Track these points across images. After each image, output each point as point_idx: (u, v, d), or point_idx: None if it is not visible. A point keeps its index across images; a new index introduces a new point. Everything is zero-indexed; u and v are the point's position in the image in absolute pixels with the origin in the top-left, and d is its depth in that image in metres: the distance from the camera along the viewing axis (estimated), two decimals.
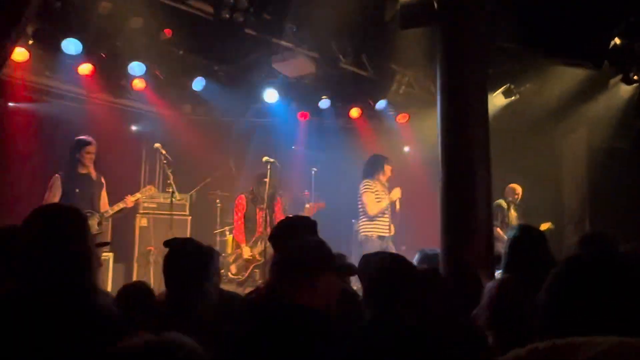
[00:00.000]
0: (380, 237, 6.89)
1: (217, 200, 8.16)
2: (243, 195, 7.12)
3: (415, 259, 3.79)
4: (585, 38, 4.90)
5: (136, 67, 6.73)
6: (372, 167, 7.09)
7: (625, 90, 6.68)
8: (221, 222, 8.04)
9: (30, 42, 6.05)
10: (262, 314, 2.50)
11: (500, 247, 4.03)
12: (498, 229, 7.11)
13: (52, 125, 7.07)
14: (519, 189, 7.82)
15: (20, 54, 6.00)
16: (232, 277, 6.83)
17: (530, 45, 5.10)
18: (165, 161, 6.72)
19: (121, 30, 6.24)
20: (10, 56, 5.65)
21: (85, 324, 1.95)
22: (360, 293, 2.91)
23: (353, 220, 7.64)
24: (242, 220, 7.02)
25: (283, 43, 6.70)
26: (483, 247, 4.04)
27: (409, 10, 4.68)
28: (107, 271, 6.70)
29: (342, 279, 2.98)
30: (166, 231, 6.66)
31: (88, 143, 6.09)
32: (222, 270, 6.35)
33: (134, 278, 7.20)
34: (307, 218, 3.57)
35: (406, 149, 9.31)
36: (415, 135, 8.49)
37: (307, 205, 7.51)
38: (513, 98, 7.57)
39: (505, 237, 4.01)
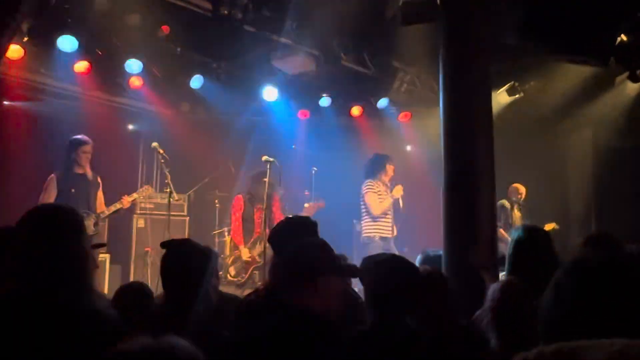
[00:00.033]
0: (383, 239, 6.89)
1: (216, 201, 8.16)
2: (240, 196, 7.08)
3: (417, 261, 3.76)
4: (591, 34, 4.83)
5: (133, 65, 6.66)
6: (374, 167, 7.10)
7: (631, 88, 6.68)
8: (220, 223, 8.01)
9: (25, 39, 5.99)
10: (261, 316, 2.51)
11: (504, 248, 4.02)
12: (501, 230, 7.07)
13: (47, 124, 7.04)
14: (522, 189, 7.81)
15: (15, 51, 5.93)
16: (231, 279, 6.76)
17: (534, 42, 5.02)
18: (162, 161, 6.69)
19: (118, 27, 6.18)
20: (4, 53, 5.63)
21: (80, 326, 1.92)
22: (361, 295, 2.91)
23: (354, 221, 7.63)
24: (240, 221, 6.99)
25: (283, 40, 6.65)
26: (487, 248, 3.98)
27: (411, 6, 4.69)
28: (103, 273, 6.68)
29: (343, 280, 2.92)
30: (164, 232, 6.64)
31: (84, 142, 6.10)
32: (221, 272, 6.30)
33: (131, 280, 7.13)
34: (307, 218, 3.53)
35: (408, 148, 9.31)
36: (418, 134, 8.47)
37: (306, 205, 7.45)
38: (517, 96, 7.54)
39: (509, 237, 3.99)
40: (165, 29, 6.39)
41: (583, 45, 4.87)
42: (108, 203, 6.28)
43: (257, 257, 6.78)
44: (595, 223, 7.47)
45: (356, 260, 3.85)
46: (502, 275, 3.60)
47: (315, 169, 7.86)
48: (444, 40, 4.28)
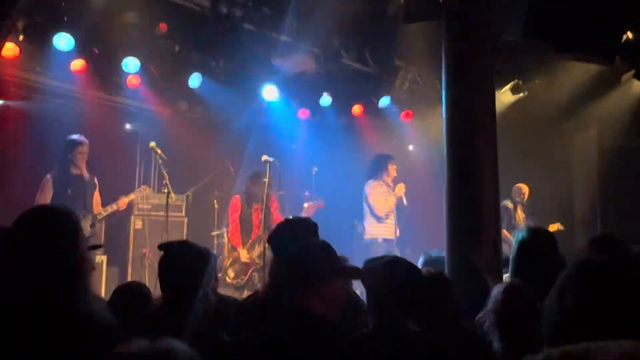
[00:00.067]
0: (386, 240, 6.90)
1: (215, 201, 8.09)
2: (237, 196, 7.04)
3: (419, 262, 3.76)
4: (596, 32, 4.81)
5: (130, 63, 6.61)
6: (376, 167, 7.16)
7: (637, 86, 6.73)
8: (219, 224, 7.96)
9: (21, 37, 5.95)
10: (262, 319, 2.52)
11: (506, 249, 4.01)
12: (504, 231, 7.04)
13: (43, 124, 6.98)
14: (525, 189, 7.81)
15: (10, 49, 5.89)
16: (230, 281, 6.70)
17: (539, 39, 4.99)
18: (160, 161, 6.65)
19: (115, 25, 6.15)
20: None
21: (75, 328, 1.92)
22: (362, 297, 2.92)
23: (355, 222, 7.58)
24: (237, 222, 6.97)
25: (283, 38, 6.63)
26: (490, 250, 3.94)
27: (412, 4, 4.71)
28: (100, 275, 6.64)
29: (345, 282, 2.93)
30: (161, 233, 6.58)
31: (80, 143, 6.09)
32: (220, 274, 6.25)
33: None
34: (307, 219, 3.51)
35: (410, 147, 9.31)
36: (420, 133, 8.46)
37: (305, 205, 7.41)
38: (521, 95, 7.52)
39: (512, 238, 3.97)
40: (163, 27, 6.36)
41: (588, 43, 4.84)
42: (105, 204, 6.28)
43: (256, 259, 6.75)
44: (601, 223, 7.46)
45: (356, 262, 3.81)
46: (505, 277, 3.58)
47: (315, 169, 7.84)
48: (446, 37, 4.25)
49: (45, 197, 5.91)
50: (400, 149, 8.77)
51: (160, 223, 7.04)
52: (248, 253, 6.80)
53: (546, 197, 7.84)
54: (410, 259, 2.90)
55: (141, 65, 6.67)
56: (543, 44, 5.23)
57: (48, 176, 6.02)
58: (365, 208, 7.04)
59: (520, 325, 2.54)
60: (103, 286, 6.58)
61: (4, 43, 5.63)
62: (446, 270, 3.73)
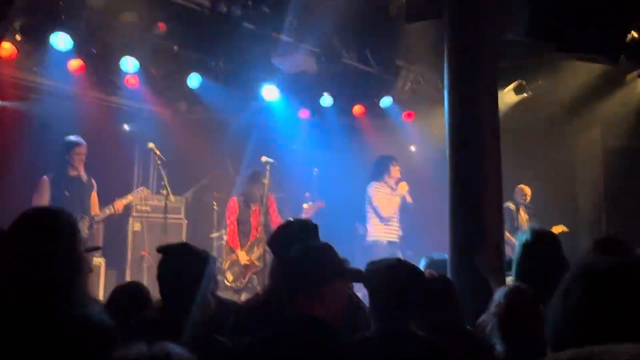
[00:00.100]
0: (389, 242, 6.93)
1: (214, 203, 8.09)
2: (235, 198, 7.01)
3: (421, 264, 3.74)
4: (601, 31, 4.82)
5: (129, 63, 6.59)
6: (379, 169, 7.22)
7: None
8: (218, 226, 7.96)
9: (18, 37, 5.92)
10: (262, 322, 2.52)
11: (509, 252, 3.99)
12: (506, 233, 7.01)
13: (40, 124, 6.97)
14: (527, 190, 7.80)
15: (7, 49, 5.87)
16: (229, 284, 6.66)
17: (542, 39, 4.98)
18: (159, 162, 6.66)
19: (113, 25, 6.14)
20: None
21: (73, 331, 1.89)
22: (365, 299, 2.88)
23: (356, 223, 7.54)
24: (235, 224, 6.94)
25: (283, 38, 6.62)
26: (493, 252, 3.93)
27: (415, 3, 4.72)
28: (98, 278, 6.61)
29: (347, 286, 2.86)
30: (160, 235, 6.60)
31: (77, 144, 6.08)
32: (219, 277, 6.20)
33: None
34: (308, 221, 3.48)
35: (412, 148, 9.27)
36: (422, 134, 8.43)
37: (305, 206, 7.37)
38: (525, 95, 7.50)
39: (514, 240, 3.96)
40: (162, 26, 6.34)
41: (593, 42, 4.84)
42: (103, 206, 6.27)
43: (255, 261, 6.70)
44: (605, 225, 7.44)
45: (357, 263, 3.78)
46: (508, 279, 3.56)
47: (316, 169, 7.83)
48: (449, 37, 4.24)
49: (43, 199, 5.88)
50: (402, 149, 8.74)
51: (159, 225, 7.05)
52: (247, 255, 6.76)
53: (550, 198, 7.83)
54: (412, 261, 2.88)
55: (140, 65, 6.66)
56: (547, 43, 5.23)
57: (45, 178, 5.98)
58: (368, 210, 7.04)
59: (523, 328, 2.54)
60: (102, 289, 6.54)
61: (1, 43, 5.60)
62: (448, 273, 3.73)
